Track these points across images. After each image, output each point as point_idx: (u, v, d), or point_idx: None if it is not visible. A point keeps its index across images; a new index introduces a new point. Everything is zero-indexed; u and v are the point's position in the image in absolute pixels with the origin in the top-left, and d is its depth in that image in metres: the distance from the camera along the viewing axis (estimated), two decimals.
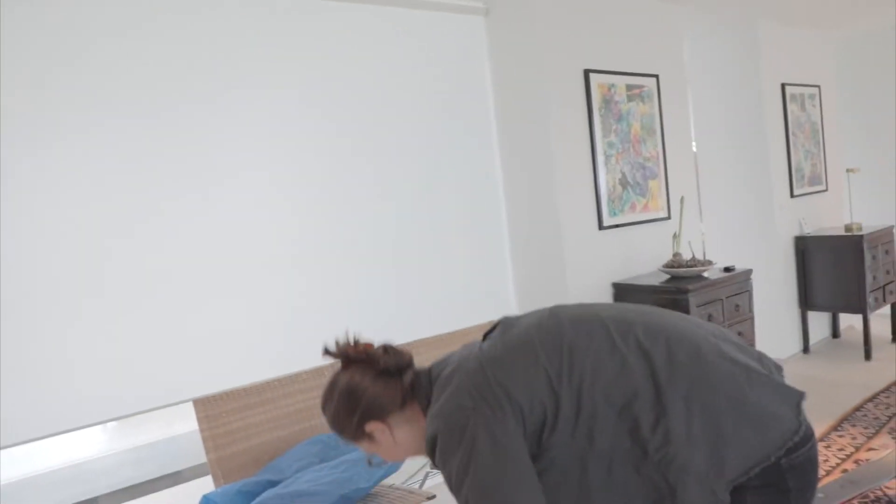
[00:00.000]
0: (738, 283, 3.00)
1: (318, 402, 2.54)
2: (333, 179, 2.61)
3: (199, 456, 2.24)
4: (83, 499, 2.68)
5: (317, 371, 2.45)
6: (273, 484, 2.01)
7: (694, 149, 3.97)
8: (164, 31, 2.24)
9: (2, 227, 1.94)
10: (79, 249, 2.08)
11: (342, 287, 2.63)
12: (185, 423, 2.99)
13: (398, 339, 2.66)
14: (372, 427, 1.19)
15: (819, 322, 4.53)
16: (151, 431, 3.16)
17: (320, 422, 2.44)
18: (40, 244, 2.02)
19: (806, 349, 4.33)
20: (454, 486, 1.06)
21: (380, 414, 1.18)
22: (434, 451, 1.10)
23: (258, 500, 1.86)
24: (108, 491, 2.72)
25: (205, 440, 2.16)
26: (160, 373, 2.23)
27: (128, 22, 2.17)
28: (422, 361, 1.23)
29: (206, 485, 2.20)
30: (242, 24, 2.40)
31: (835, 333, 4.63)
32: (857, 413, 3.16)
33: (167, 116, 2.23)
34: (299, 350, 2.53)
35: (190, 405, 2.18)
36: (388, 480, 2.12)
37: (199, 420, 2.17)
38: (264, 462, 2.23)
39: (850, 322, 4.75)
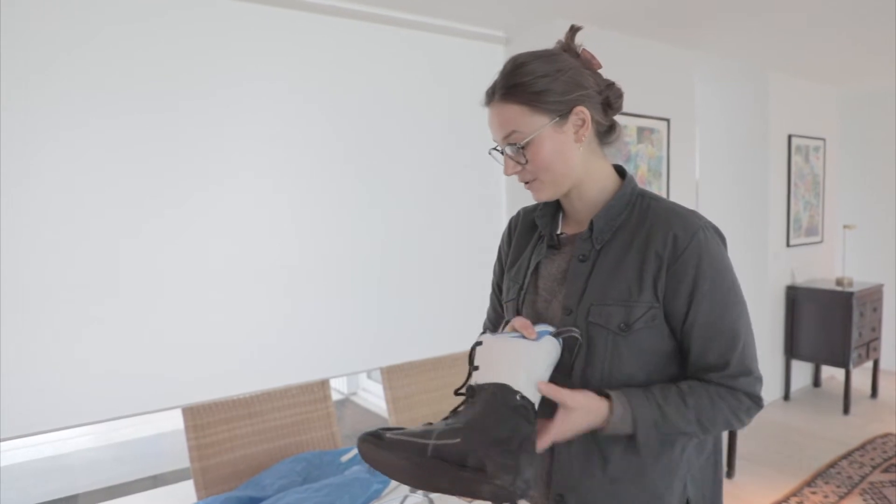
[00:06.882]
0: None
1: (306, 417, 2.54)
2: (335, 197, 2.62)
3: (181, 459, 2.25)
4: (61, 496, 2.68)
5: (306, 387, 2.47)
6: (254, 500, 2.03)
7: (697, 192, 4.01)
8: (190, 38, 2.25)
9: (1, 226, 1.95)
10: (76, 253, 2.09)
11: (339, 304, 2.65)
12: (171, 420, 2.99)
13: (394, 358, 2.72)
14: (580, 109, 0.98)
15: (801, 369, 4.60)
16: (136, 426, 3.15)
17: (306, 438, 2.47)
18: (34, 248, 2.03)
19: (787, 396, 4.39)
20: (717, 302, 0.94)
21: (585, 100, 0.98)
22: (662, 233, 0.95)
23: None
24: (87, 490, 2.71)
25: (190, 449, 2.18)
26: (151, 377, 2.24)
27: (135, 20, 2.18)
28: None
29: (186, 489, 2.21)
30: (255, 34, 2.41)
31: (816, 382, 4.69)
32: (832, 470, 3.22)
33: (167, 122, 2.24)
34: (290, 364, 2.56)
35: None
36: None
37: (187, 429, 2.19)
38: (247, 475, 2.25)
39: (832, 372, 4.82)
